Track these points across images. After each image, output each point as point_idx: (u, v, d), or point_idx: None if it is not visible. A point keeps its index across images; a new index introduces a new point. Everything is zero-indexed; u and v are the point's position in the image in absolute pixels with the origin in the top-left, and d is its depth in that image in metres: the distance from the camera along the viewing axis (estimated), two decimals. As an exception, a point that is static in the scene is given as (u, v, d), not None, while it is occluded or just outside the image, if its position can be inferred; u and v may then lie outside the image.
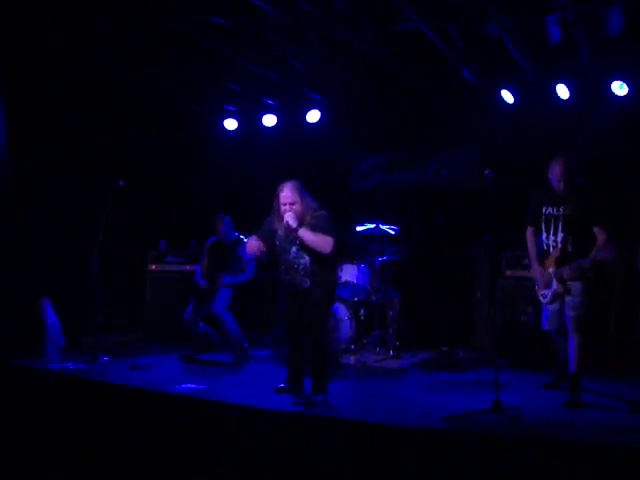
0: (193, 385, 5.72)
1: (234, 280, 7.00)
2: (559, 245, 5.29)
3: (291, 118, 9.09)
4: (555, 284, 5.28)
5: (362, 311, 7.38)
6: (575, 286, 5.23)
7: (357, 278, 7.29)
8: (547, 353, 5.94)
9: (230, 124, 9.40)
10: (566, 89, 7.27)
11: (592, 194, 5.29)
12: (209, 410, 5.05)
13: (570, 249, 5.25)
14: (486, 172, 5.12)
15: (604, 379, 5.92)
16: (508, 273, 7.11)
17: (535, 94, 7.58)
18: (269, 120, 9.12)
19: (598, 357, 6.32)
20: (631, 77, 6.98)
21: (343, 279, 7.41)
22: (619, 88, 7.04)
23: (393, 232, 7.46)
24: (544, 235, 5.42)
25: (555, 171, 5.29)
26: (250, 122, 9.32)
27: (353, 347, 7.24)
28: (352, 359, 7.06)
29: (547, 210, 5.40)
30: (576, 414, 4.87)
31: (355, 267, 7.37)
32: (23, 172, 7.50)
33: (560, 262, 5.25)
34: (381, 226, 7.32)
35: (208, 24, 6.55)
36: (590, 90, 7.28)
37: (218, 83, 8.48)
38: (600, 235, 5.17)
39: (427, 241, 8.24)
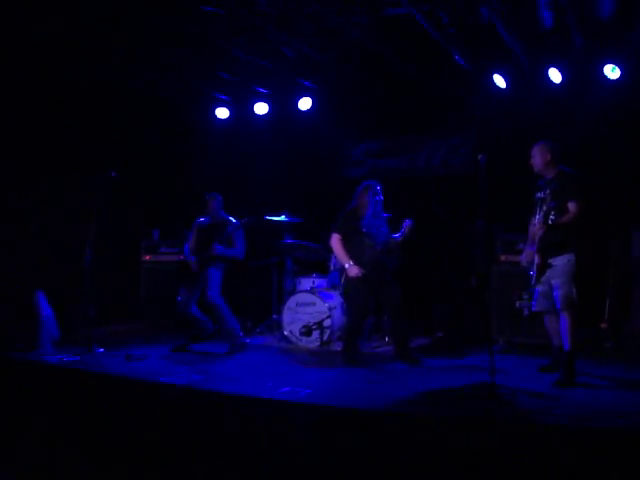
0: (188, 375, 5.72)
1: (226, 251, 6.97)
2: (542, 219, 5.37)
3: (283, 106, 9.05)
4: (537, 257, 5.36)
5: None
6: (558, 266, 5.32)
7: (351, 265, 7.26)
8: (542, 338, 5.96)
9: (222, 113, 9.35)
10: (558, 73, 7.27)
11: (572, 176, 5.44)
12: (204, 400, 5.05)
13: (550, 222, 5.32)
14: (479, 157, 5.14)
15: (598, 363, 5.95)
16: (503, 258, 7.11)
17: (527, 78, 7.57)
18: (261, 108, 9.09)
19: (592, 342, 6.36)
20: (623, 60, 6.97)
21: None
22: (611, 71, 7.04)
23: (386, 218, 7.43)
24: (535, 218, 5.50)
25: (534, 157, 5.52)
26: (242, 110, 9.28)
27: (348, 334, 7.24)
28: (347, 346, 7.04)
29: (538, 195, 5.53)
30: (569, 397, 4.87)
31: (349, 254, 7.35)
32: (16, 165, 7.47)
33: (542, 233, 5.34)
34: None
35: (199, 12, 6.50)
36: (583, 74, 7.28)
37: (209, 71, 8.42)
38: (572, 208, 5.29)
39: (421, 227, 8.22)
